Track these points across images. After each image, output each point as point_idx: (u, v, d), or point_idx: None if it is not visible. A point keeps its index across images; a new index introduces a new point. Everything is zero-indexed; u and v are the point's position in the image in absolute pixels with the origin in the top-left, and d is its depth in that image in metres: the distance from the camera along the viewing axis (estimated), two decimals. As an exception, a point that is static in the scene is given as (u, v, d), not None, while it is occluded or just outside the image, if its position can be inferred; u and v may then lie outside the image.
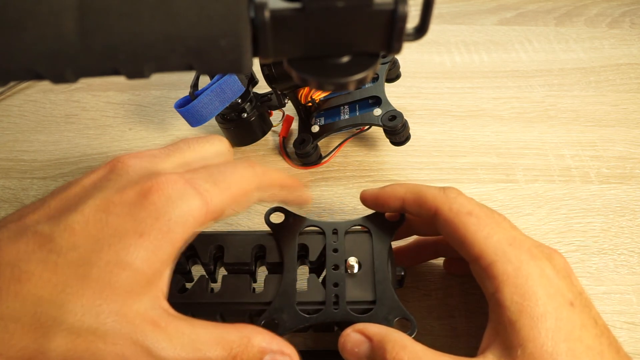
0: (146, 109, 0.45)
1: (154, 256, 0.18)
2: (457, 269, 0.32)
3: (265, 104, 0.41)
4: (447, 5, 0.57)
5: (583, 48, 0.51)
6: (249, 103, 0.39)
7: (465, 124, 0.43)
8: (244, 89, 0.37)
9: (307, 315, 0.25)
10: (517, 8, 0.57)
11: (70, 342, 0.16)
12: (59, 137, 0.43)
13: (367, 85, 0.40)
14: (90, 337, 0.17)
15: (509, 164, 0.40)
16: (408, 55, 0.49)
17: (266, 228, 0.28)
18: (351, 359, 0.23)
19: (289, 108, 0.42)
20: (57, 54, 0.16)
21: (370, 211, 0.29)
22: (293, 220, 0.28)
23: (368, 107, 0.39)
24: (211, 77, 0.37)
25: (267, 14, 0.17)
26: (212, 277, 0.28)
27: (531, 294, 0.22)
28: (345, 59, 0.19)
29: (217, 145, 0.24)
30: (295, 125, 0.43)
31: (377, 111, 0.37)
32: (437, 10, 0.55)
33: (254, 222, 0.36)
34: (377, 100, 0.39)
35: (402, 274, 0.28)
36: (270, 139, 0.43)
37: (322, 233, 0.28)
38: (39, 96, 0.47)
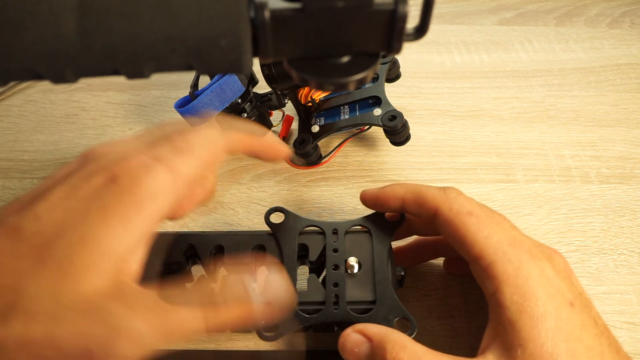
0: (146, 109, 0.45)
1: (124, 232, 0.18)
2: (457, 269, 0.32)
3: (265, 104, 0.41)
4: (447, 5, 0.57)
5: (583, 48, 0.51)
6: (249, 103, 0.39)
7: (465, 124, 0.43)
8: (244, 89, 0.37)
9: (307, 315, 0.25)
10: (517, 8, 0.57)
11: (25, 327, 0.16)
12: (59, 137, 0.43)
13: (367, 85, 0.40)
14: (46, 320, 0.16)
15: (509, 164, 0.40)
16: (408, 55, 0.49)
17: (266, 228, 0.28)
18: (351, 359, 0.23)
19: (289, 108, 0.42)
20: (57, 54, 0.16)
21: (370, 211, 0.29)
22: (293, 220, 0.28)
23: (368, 107, 0.39)
24: (211, 77, 0.37)
25: (267, 14, 0.17)
26: (212, 277, 0.28)
27: (531, 294, 0.22)
28: (345, 59, 0.19)
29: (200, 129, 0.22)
30: (295, 125, 0.43)
31: (377, 111, 0.37)
32: (437, 10, 0.55)
33: (254, 222, 0.36)
34: (377, 100, 0.39)
35: (402, 274, 0.28)
36: (270, 139, 0.43)
37: (322, 233, 0.28)
38: (39, 96, 0.47)
